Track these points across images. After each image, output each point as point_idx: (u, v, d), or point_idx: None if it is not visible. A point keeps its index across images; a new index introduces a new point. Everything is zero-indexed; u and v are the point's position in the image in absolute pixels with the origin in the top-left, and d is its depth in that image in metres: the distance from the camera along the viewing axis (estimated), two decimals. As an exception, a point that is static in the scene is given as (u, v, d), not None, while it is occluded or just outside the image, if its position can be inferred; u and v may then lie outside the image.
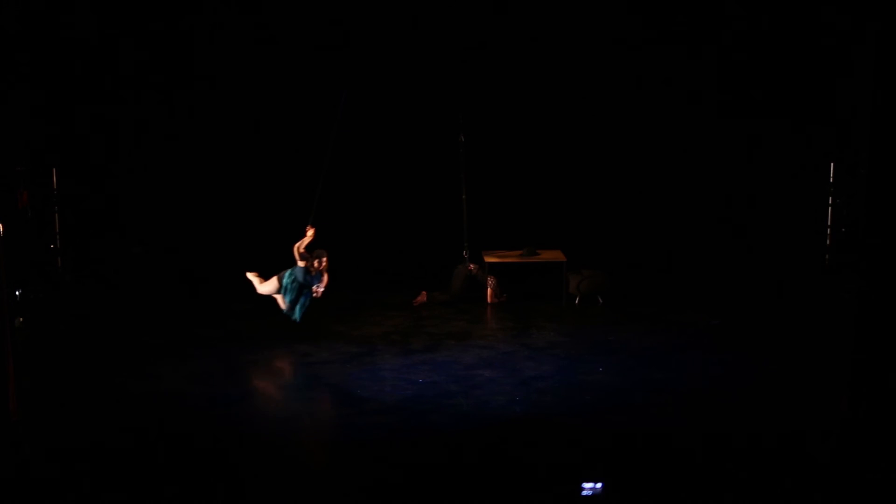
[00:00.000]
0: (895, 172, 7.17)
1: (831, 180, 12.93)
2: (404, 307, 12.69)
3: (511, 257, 13.29)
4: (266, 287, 11.03)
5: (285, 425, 8.52)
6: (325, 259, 10.87)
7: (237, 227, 13.97)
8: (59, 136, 12.87)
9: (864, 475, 7.15)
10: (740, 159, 13.67)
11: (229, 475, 7.49)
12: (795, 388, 9.36)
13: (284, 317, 12.22)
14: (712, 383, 9.59)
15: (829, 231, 12.91)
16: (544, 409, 8.92)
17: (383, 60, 13.53)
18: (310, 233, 10.80)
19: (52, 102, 12.72)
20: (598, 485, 7.18)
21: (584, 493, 7.12)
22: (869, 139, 7.24)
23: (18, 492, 7.16)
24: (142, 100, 13.41)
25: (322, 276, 10.84)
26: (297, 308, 10.86)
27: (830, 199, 12.92)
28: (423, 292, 12.89)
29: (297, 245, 10.77)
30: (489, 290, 12.98)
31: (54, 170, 12.66)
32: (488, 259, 13.12)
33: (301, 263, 10.73)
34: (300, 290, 10.81)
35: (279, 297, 10.99)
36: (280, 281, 10.84)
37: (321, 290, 10.87)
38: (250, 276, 11.28)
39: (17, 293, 11.07)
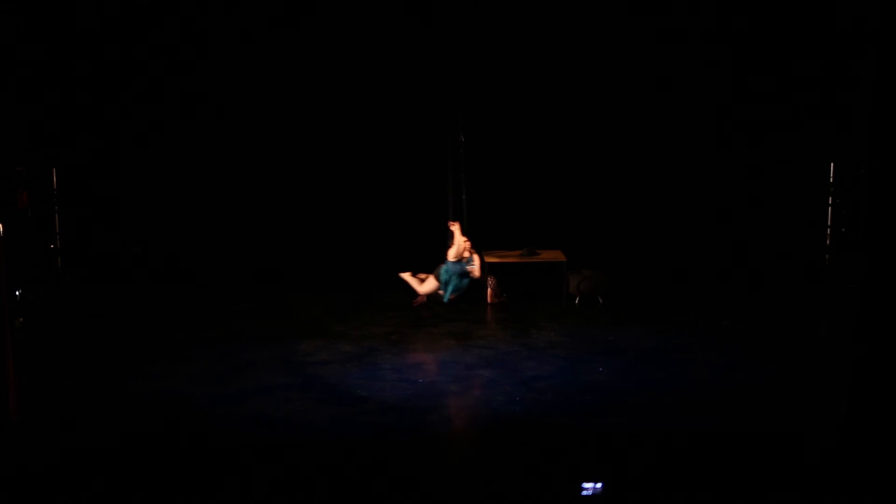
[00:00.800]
0: (895, 172, 7.17)
1: (831, 180, 12.93)
2: (404, 307, 12.69)
3: (511, 257, 13.29)
4: (426, 287, 12.11)
5: (285, 425, 8.52)
6: (468, 243, 11.98)
7: (237, 228, 13.98)
8: (59, 136, 12.88)
9: (863, 475, 7.15)
10: (740, 159, 13.68)
11: (229, 475, 7.49)
12: (795, 388, 9.36)
13: (284, 317, 12.28)
14: (712, 383, 9.59)
15: (829, 231, 12.91)
16: (544, 409, 8.93)
17: (383, 60, 13.55)
18: (455, 228, 11.82)
19: (52, 102, 12.73)
20: (599, 485, 7.18)
21: (585, 493, 7.12)
22: (869, 139, 7.24)
23: (18, 492, 7.16)
24: (142, 100, 13.41)
25: (472, 258, 11.86)
26: (449, 290, 12.12)
27: (830, 199, 12.92)
28: (423, 294, 12.87)
29: (456, 246, 11.75)
30: (489, 290, 12.98)
31: (54, 170, 12.66)
32: (488, 259, 13.12)
33: (452, 258, 11.83)
34: (459, 278, 12.07)
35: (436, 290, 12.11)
36: (438, 279, 12.08)
37: (476, 268, 11.95)
38: (406, 277, 12.20)
39: (17, 293, 11.06)
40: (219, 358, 10.44)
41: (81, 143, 13.17)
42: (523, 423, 8.58)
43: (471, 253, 12.00)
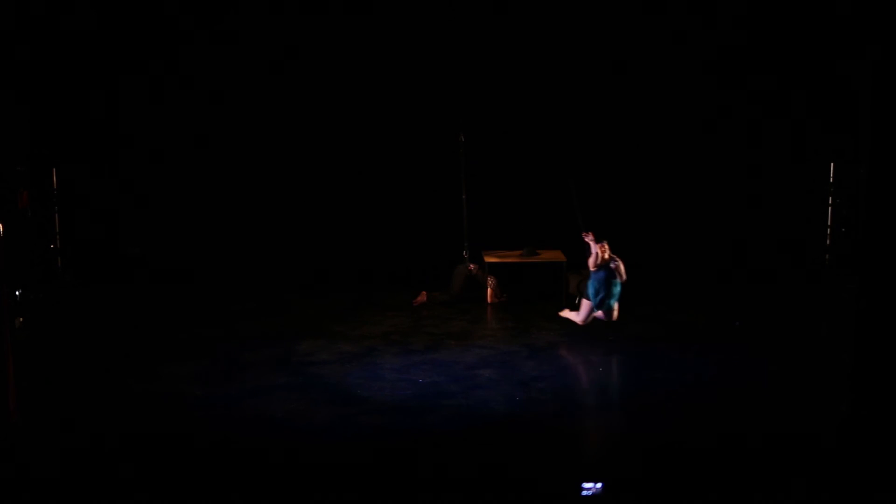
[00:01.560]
0: (895, 172, 7.17)
1: (831, 180, 12.93)
2: (404, 307, 12.69)
3: (511, 257, 13.29)
4: (582, 314, 11.01)
5: (285, 425, 8.52)
6: (605, 245, 10.81)
7: (237, 228, 13.98)
8: (60, 136, 12.87)
9: (864, 475, 7.15)
10: (740, 159, 13.67)
11: (229, 475, 7.48)
12: (795, 388, 9.36)
13: (284, 317, 12.25)
14: (712, 383, 9.58)
15: (829, 231, 12.91)
16: (544, 409, 8.92)
17: (384, 60, 13.55)
18: (590, 238, 10.79)
19: (52, 101, 12.72)
20: (599, 485, 7.18)
21: (585, 493, 7.12)
22: (869, 139, 7.24)
23: (18, 492, 7.15)
24: (142, 100, 13.41)
25: (615, 261, 10.81)
26: (611, 300, 10.87)
27: (830, 199, 12.92)
28: (423, 292, 12.89)
29: (594, 256, 10.73)
30: (489, 290, 12.98)
31: (54, 170, 12.65)
32: (488, 259, 13.12)
33: (593, 268, 10.77)
34: (608, 285, 10.81)
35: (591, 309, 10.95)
36: (586, 296, 10.92)
37: (622, 270, 10.80)
38: (565, 314, 11.31)
39: (17, 293, 11.06)
40: (219, 358, 10.44)
41: (82, 141, 13.17)
42: (523, 424, 8.58)
43: (612, 257, 10.81)
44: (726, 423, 8.43)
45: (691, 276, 13.69)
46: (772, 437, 8.05)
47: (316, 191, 14.06)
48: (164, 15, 13.02)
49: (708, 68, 13.35)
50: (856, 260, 8.91)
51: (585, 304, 10.95)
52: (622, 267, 10.82)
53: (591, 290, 10.85)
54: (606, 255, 10.78)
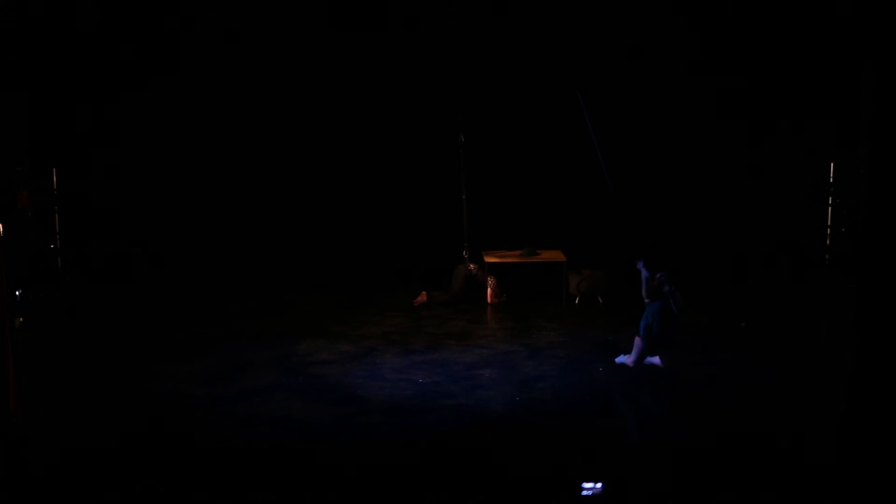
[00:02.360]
0: (895, 172, 7.17)
1: (831, 180, 12.92)
2: (404, 307, 12.69)
3: (511, 257, 13.29)
4: (633, 355, 9.60)
5: (285, 425, 8.52)
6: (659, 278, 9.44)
7: (237, 228, 13.98)
8: (60, 136, 12.87)
9: (864, 475, 7.15)
10: (740, 159, 13.67)
11: (229, 475, 7.48)
12: (795, 388, 9.35)
13: (285, 317, 12.25)
14: (712, 383, 9.58)
15: (829, 231, 12.91)
16: (544, 409, 8.92)
17: (384, 61, 13.55)
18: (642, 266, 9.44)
19: (51, 102, 12.72)
20: (598, 485, 7.18)
21: (585, 493, 7.12)
22: (869, 139, 7.25)
23: (18, 492, 7.15)
24: (142, 100, 13.41)
25: (674, 293, 9.39)
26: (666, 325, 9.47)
27: (830, 198, 12.91)
28: (423, 292, 12.90)
29: (646, 284, 9.36)
30: (489, 290, 12.98)
31: (54, 170, 12.65)
32: (488, 259, 13.12)
33: (648, 298, 9.41)
34: (662, 315, 9.43)
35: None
36: (652, 335, 9.48)
37: (681, 300, 9.41)
38: (622, 359, 9.87)
39: (17, 293, 11.06)
40: (219, 358, 10.44)
41: (81, 142, 13.17)
42: (523, 423, 8.58)
43: (667, 283, 9.34)
44: (727, 424, 8.43)
45: (691, 277, 13.65)
46: (772, 438, 8.06)
47: (316, 191, 14.07)
48: (164, 18, 13.02)
49: (708, 68, 13.35)
50: (856, 260, 8.90)
51: (637, 343, 9.56)
52: (680, 297, 9.36)
53: (642, 324, 9.49)
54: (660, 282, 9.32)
